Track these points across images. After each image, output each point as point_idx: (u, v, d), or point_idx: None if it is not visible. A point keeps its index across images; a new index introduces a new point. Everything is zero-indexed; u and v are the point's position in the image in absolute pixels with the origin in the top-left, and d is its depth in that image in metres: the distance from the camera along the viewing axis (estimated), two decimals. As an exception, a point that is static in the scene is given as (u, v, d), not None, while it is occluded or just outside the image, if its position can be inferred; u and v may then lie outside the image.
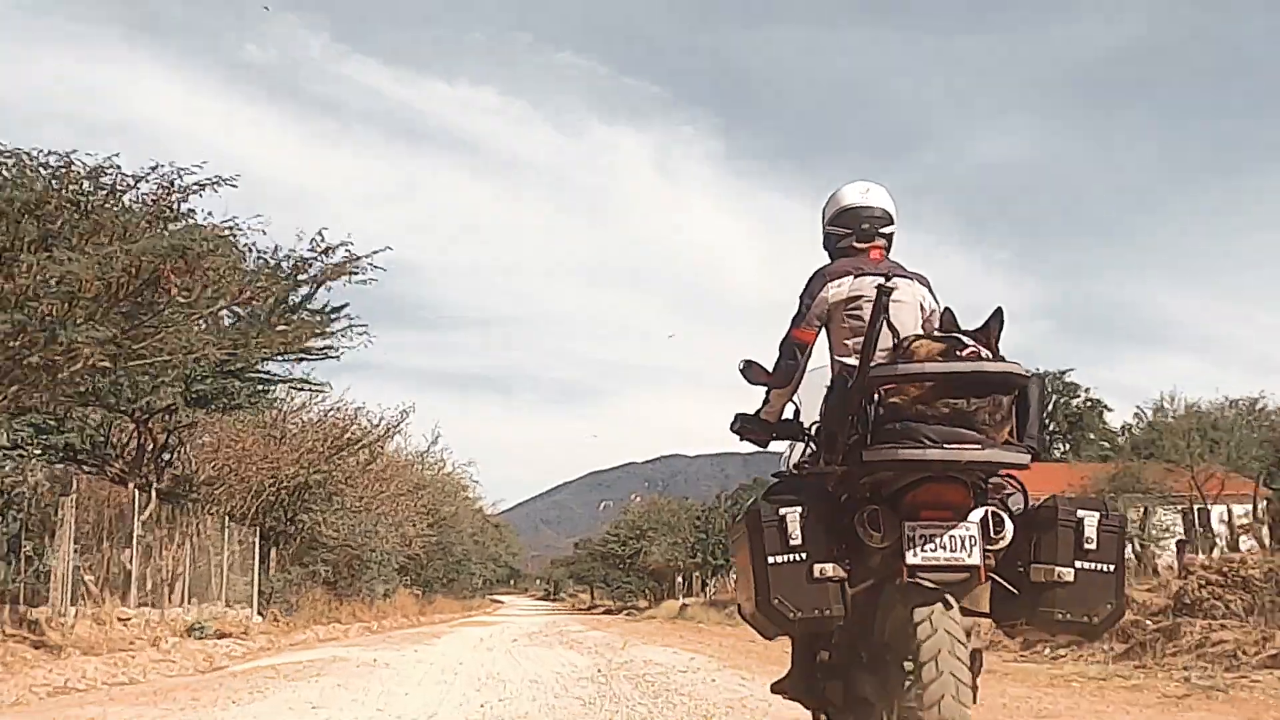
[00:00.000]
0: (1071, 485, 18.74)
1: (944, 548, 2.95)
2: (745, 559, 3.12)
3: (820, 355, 3.58)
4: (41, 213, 9.68)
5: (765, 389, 3.63)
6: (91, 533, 16.66)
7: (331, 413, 26.71)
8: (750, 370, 3.56)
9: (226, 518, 21.51)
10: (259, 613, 22.28)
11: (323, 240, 11.37)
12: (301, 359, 17.65)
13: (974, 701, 2.80)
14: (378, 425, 28.26)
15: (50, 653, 12.10)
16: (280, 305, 13.16)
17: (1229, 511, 18.64)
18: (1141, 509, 19.15)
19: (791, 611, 2.98)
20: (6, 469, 15.18)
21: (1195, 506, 23.18)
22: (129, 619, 16.27)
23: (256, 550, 22.94)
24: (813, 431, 3.50)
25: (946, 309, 3.27)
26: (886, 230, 3.65)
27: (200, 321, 11.28)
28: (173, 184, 10.36)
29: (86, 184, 10.03)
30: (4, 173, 9.64)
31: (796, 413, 3.66)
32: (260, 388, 19.64)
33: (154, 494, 18.02)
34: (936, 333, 3.21)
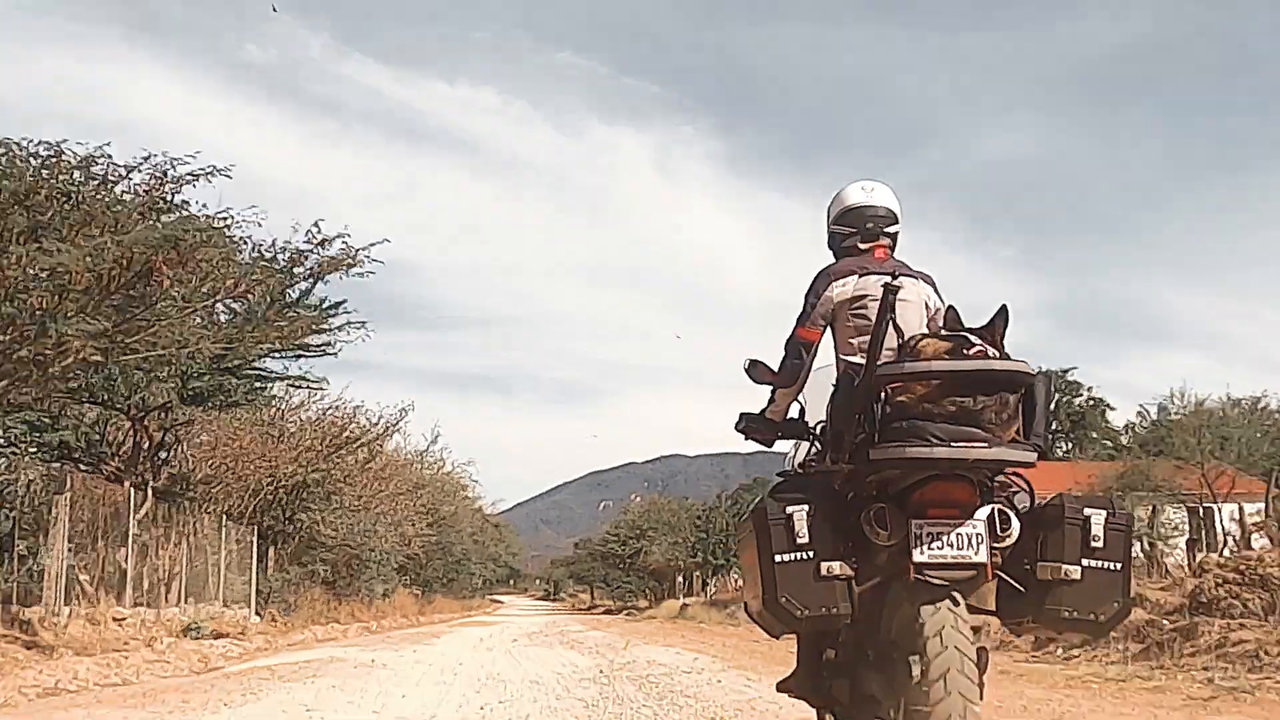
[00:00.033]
0: (1078, 483, 18.52)
1: (951, 546, 2.93)
2: (752, 557, 3.10)
3: (825, 354, 3.58)
4: (31, 203, 9.46)
5: (770, 388, 3.63)
6: (86, 532, 16.49)
7: (330, 411, 26.62)
8: (755, 369, 3.56)
9: (224, 517, 21.35)
10: (257, 613, 22.09)
11: (319, 232, 11.13)
12: (299, 356, 17.51)
13: (980, 699, 2.77)
14: (376, 424, 28.14)
15: (42, 653, 11.91)
16: (277, 301, 12.97)
17: (1240, 510, 18.40)
18: (1150, 507, 18.91)
19: (799, 610, 2.97)
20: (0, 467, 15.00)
21: (1201, 505, 22.99)
22: (124, 619, 16.07)
23: (254, 550, 22.76)
24: (818, 431, 3.49)
25: (950, 307, 3.26)
26: (891, 229, 3.66)
27: (195, 316, 11.07)
28: (166, 174, 10.15)
29: (77, 174, 9.81)
30: (-8, 162, 9.43)
31: (801, 412, 3.65)
32: (257, 385, 19.40)
33: (150, 492, 17.82)
34: (942, 331, 3.20)
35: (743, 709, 6.83)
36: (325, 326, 15.84)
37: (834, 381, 3.33)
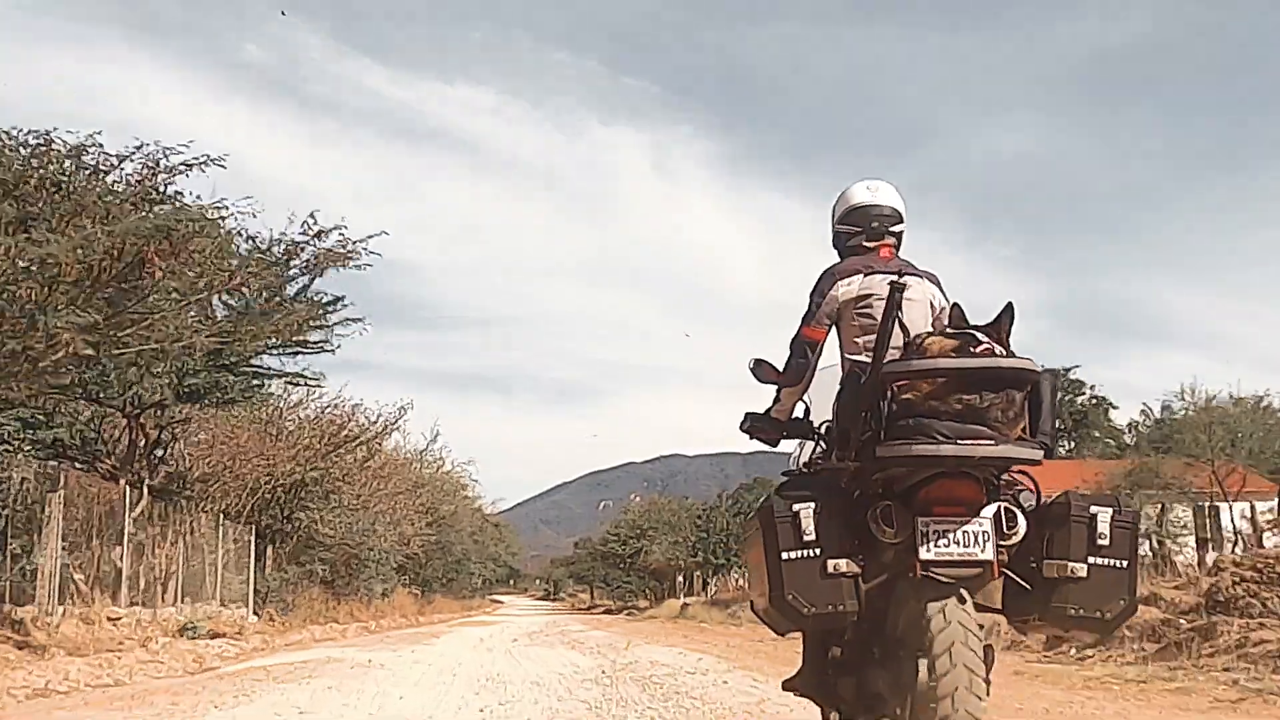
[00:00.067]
0: (1085, 481, 18.26)
1: (957, 543, 2.93)
2: (758, 555, 3.09)
3: (830, 354, 3.58)
4: (20, 193, 9.26)
5: (775, 387, 3.62)
6: (80, 530, 16.28)
7: (329, 410, 26.44)
8: (760, 369, 3.56)
9: (221, 515, 21.18)
10: (254, 612, 21.91)
11: (315, 223, 10.88)
12: (297, 352, 17.35)
13: (987, 695, 2.76)
14: (375, 422, 27.95)
15: (34, 653, 11.72)
16: (275, 297, 12.78)
17: (1252, 508, 18.15)
18: (1159, 505, 18.65)
19: (805, 607, 2.96)
20: (-8, 464, 14.76)
21: (1207, 504, 22.72)
22: (119, 618, 15.86)
23: (252, 549, 22.57)
24: (823, 430, 3.49)
25: (955, 304, 3.27)
26: (896, 228, 3.66)
27: (190, 310, 10.85)
28: (158, 164, 9.91)
29: (68, 163, 9.58)
30: (-20, 151, 9.21)
31: (806, 411, 3.65)
32: (254, 382, 19.17)
33: (146, 491, 17.60)
34: (948, 329, 3.19)
35: (752, 711, 6.61)
36: (323, 323, 15.68)
37: (839, 380, 3.34)
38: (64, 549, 14.74)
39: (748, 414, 3.68)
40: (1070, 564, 2.95)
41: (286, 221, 10.76)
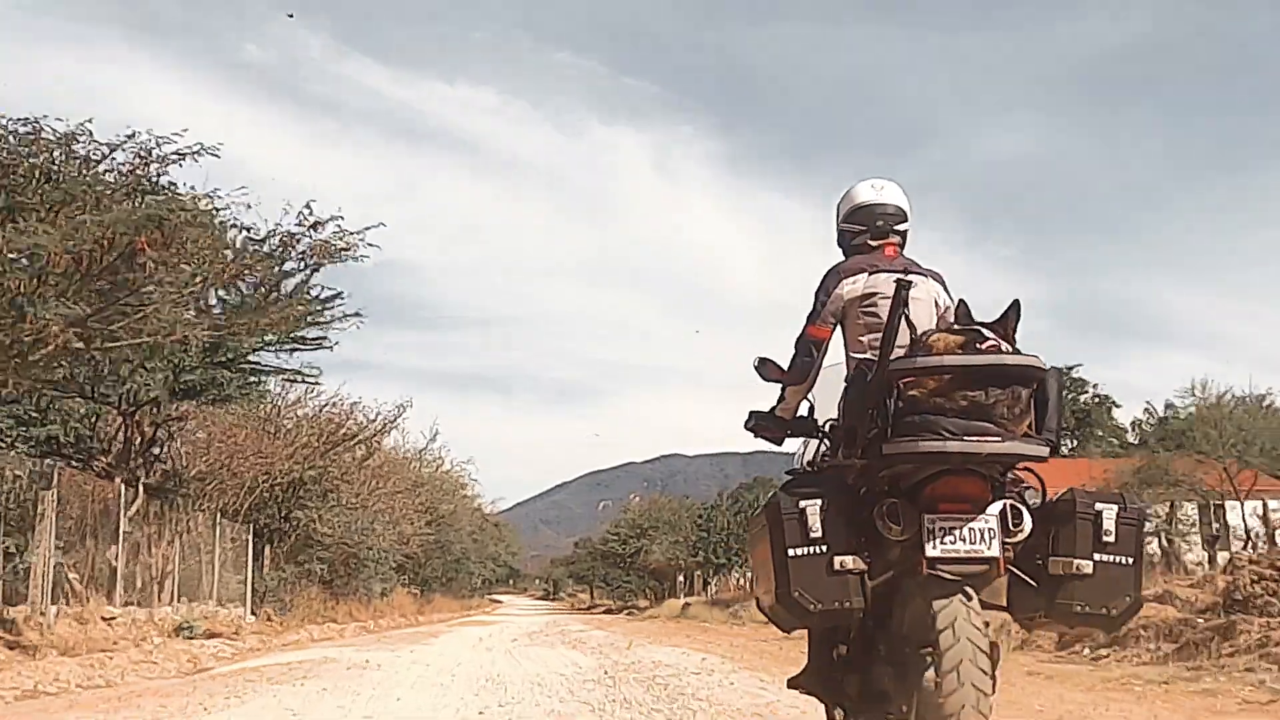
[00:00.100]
0: (1094, 479, 18.01)
1: (963, 540, 2.93)
2: (765, 552, 3.09)
3: (834, 352, 3.58)
4: (7, 182, 9.02)
5: (780, 386, 3.62)
6: (75, 529, 16.08)
7: (327, 408, 26.26)
8: (765, 367, 3.56)
9: (218, 514, 20.98)
10: (252, 612, 21.72)
11: (310, 214, 10.63)
12: (294, 349, 17.12)
13: (993, 692, 2.76)
14: (374, 420, 27.75)
15: (25, 653, 11.53)
16: (272, 291, 12.54)
17: (1264, 505, 17.89)
18: (1169, 503, 18.41)
19: (812, 604, 2.96)
20: (-15, 461, 14.53)
21: (1212, 503, 22.44)
22: (114, 618, 15.65)
23: (250, 548, 22.36)
24: (827, 428, 3.48)
25: (961, 301, 3.28)
26: (901, 227, 3.65)
27: (185, 304, 10.60)
28: (150, 153, 9.67)
29: (57, 152, 9.34)
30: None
31: (811, 410, 3.63)
32: (251, 379, 18.96)
33: (141, 489, 17.38)
34: (955, 325, 3.20)
35: (761, 713, 6.38)
36: (320, 319, 15.46)
37: (844, 379, 3.36)
38: (58, 548, 14.53)
39: (752, 412, 3.65)
40: (1076, 561, 2.96)
41: (282, 212, 10.49)
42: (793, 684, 3.63)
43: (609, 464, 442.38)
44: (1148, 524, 14.50)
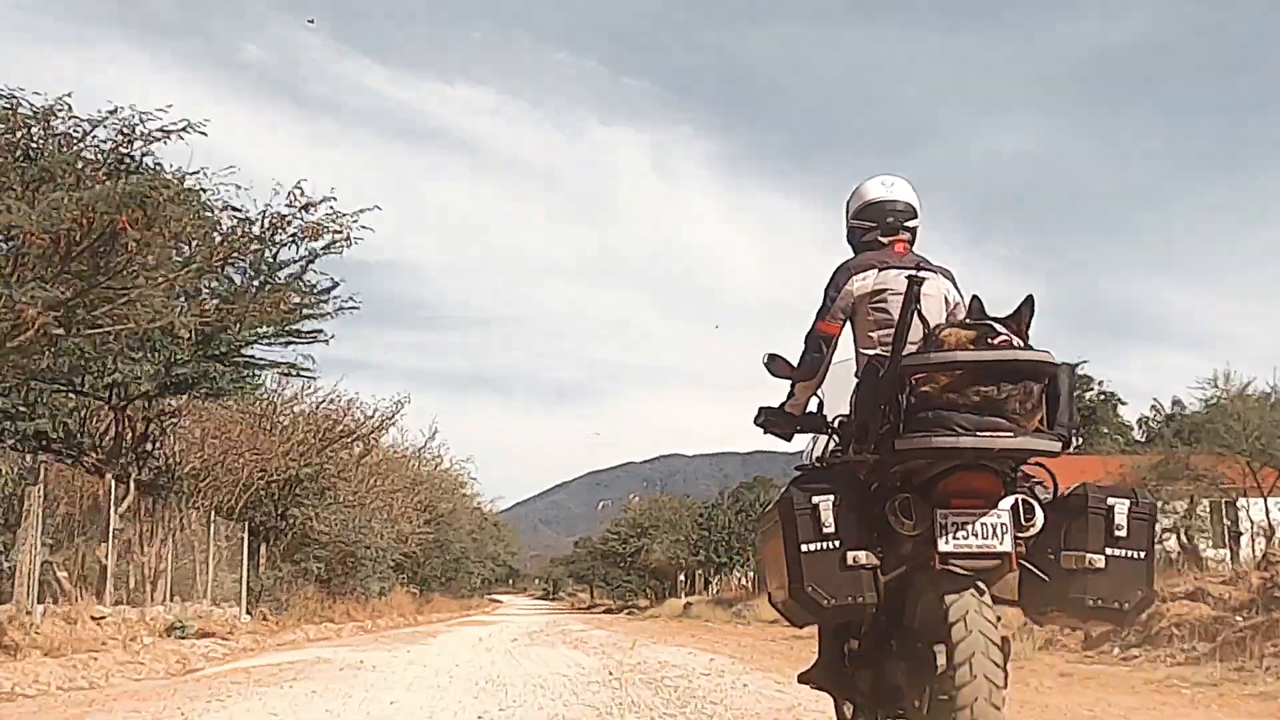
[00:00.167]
0: (1109, 474, 17.60)
1: (975, 535, 2.94)
2: (777, 548, 3.08)
3: (844, 348, 3.59)
4: (-19, 158, 8.58)
5: (789, 382, 3.62)
6: (63, 526, 15.66)
7: (324, 404, 25.87)
8: (774, 364, 3.56)
9: (213, 512, 20.57)
10: (247, 611, 21.30)
11: (302, 194, 10.16)
12: (289, 342, 16.74)
13: (1005, 686, 2.74)
14: (372, 417, 27.37)
15: (7, 654, 11.10)
16: (268, 282, 12.15)
17: (1285, 501, 17.44)
18: (1189, 498, 17.95)
19: (825, 599, 2.97)
20: (-33, 457, 14.11)
21: (1223, 501, 21.94)
22: (104, 618, 15.23)
23: (245, 546, 21.95)
24: (837, 424, 3.46)
25: (975, 296, 3.25)
26: (911, 223, 3.67)
27: (172, 290, 10.15)
28: (134, 129, 9.22)
29: (35, 128, 8.90)
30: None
31: (820, 405, 3.63)
32: (245, 372, 18.50)
33: (133, 485, 16.94)
34: (968, 321, 3.18)
35: (782, 718, 5.94)
36: (316, 311, 15.09)
37: (854, 374, 3.40)
38: (46, 545, 14.12)
39: (762, 408, 3.65)
40: (1088, 555, 2.95)
41: (271, 192, 10.03)
42: (803, 679, 3.63)
43: (608, 464, 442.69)
44: (1166, 520, 14.08)
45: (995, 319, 3.08)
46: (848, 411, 3.35)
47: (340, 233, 10.42)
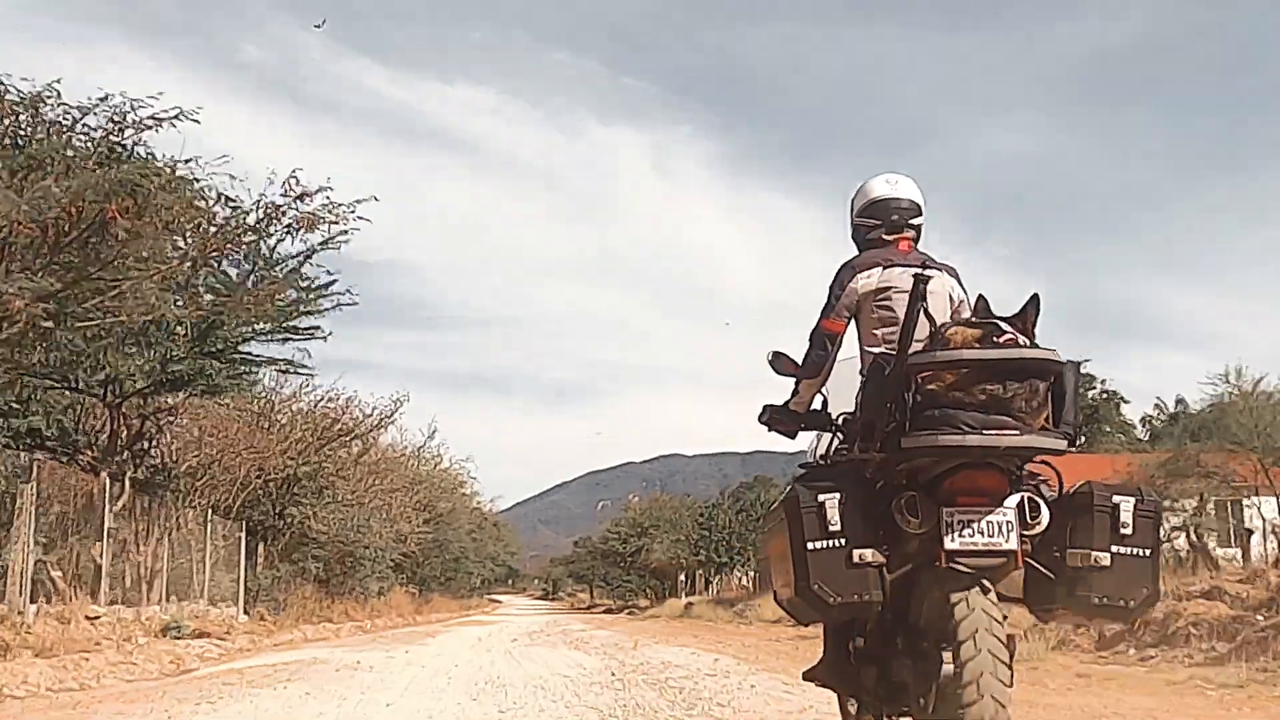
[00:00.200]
0: (1117, 473, 17.38)
1: (981, 533, 2.94)
2: (783, 545, 3.09)
3: (849, 346, 3.58)
4: (-32, 146, 8.35)
5: (794, 380, 3.60)
6: (56, 524, 15.45)
7: (322, 403, 25.65)
8: (779, 361, 3.56)
9: (210, 511, 20.35)
10: (245, 611, 21.10)
11: (297, 184, 9.93)
12: (287, 339, 16.55)
13: (1010, 683, 2.73)
14: (370, 415, 27.15)
15: (-2, 654, 10.84)
16: (264, 276, 11.92)
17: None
18: (1198, 496, 17.72)
19: (831, 597, 2.96)
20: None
21: (1229, 500, 21.70)
22: (98, 618, 15.01)
23: (243, 545, 21.76)
24: (841, 422, 3.46)
25: (980, 295, 3.23)
26: (915, 221, 3.66)
27: (164, 281, 9.93)
28: (125, 117, 9.00)
29: (23, 115, 8.68)
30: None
31: (824, 403, 3.62)
32: (242, 369, 18.28)
33: (128, 484, 16.72)
34: (973, 319, 3.16)
35: (793, 721, 5.73)
36: (314, 307, 14.90)
37: (859, 372, 3.39)
38: (40, 544, 13.92)
39: (766, 406, 3.64)
40: (1094, 553, 2.96)
41: (266, 182, 9.79)
42: (808, 676, 3.64)
43: (608, 464, 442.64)
44: (1175, 518, 13.83)
45: (1001, 318, 3.07)
46: (852, 409, 3.35)
47: (337, 223, 10.19)
